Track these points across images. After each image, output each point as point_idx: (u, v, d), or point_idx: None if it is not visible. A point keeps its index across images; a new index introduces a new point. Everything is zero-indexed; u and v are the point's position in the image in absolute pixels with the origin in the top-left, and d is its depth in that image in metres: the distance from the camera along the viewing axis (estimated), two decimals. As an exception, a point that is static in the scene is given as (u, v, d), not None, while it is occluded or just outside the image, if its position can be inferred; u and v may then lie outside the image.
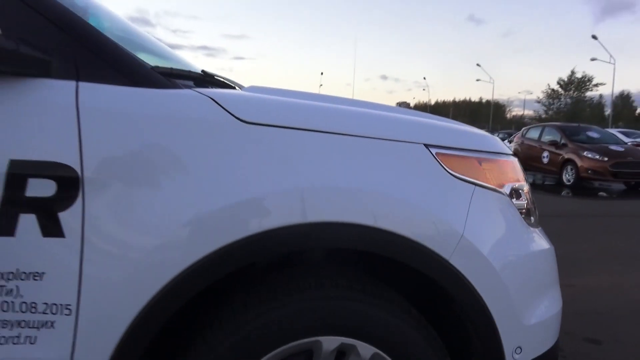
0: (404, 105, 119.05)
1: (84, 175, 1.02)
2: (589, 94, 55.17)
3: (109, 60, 1.11)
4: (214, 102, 1.14)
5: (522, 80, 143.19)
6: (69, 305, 1.03)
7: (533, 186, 9.20)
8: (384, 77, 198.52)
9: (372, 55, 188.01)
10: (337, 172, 1.15)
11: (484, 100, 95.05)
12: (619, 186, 11.51)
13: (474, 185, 1.28)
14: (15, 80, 1.03)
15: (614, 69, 36.77)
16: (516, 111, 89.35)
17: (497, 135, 10.88)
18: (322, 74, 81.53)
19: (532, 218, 1.48)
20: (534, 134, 12.66)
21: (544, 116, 55.94)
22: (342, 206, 1.13)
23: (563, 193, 10.29)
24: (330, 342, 1.16)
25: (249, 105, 1.17)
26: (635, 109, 63.65)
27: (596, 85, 53.50)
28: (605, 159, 10.39)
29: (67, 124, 1.03)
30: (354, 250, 1.18)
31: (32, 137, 1.01)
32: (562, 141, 11.37)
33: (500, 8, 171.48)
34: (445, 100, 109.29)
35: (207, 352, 1.11)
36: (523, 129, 14.15)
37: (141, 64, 1.17)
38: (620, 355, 2.55)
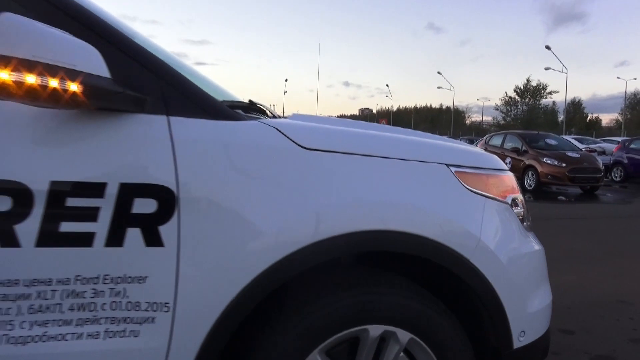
0: (366, 111, 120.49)
1: (180, 194, 1.23)
2: (543, 101, 57.66)
3: (190, 97, 1.32)
4: (278, 131, 1.37)
5: (480, 88, 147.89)
6: (167, 303, 1.24)
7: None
8: (347, 84, 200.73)
9: (334, 62, 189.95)
10: (381, 188, 1.40)
11: (444, 107, 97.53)
12: (575, 190, 12.26)
13: (485, 197, 1.56)
14: (120, 115, 1.22)
15: (566, 77, 38.67)
16: (475, 117, 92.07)
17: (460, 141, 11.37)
18: (286, 80, 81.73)
19: (526, 223, 1.77)
20: (496, 141, 13.31)
21: (502, 122, 58.05)
22: (386, 216, 1.37)
23: (525, 197, 10.86)
24: (375, 330, 1.41)
25: (306, 134, 1.40)
26: (586, 116, 66.93)
27: (550, 93, 56.05)
28: (563, 164, 11.08)
29: (164, 152, 1.23)
30: (393, 253, 1.43)
31: (136, 163, 1.22)
32: (523, 148, 12.03)
33: (458, 17, 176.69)
34: (407, 106, 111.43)
35: (277, 341, 1.33)
36: (486, 136, 14.83)
37: (214, 100, 1.38)
38: (593, 342, 2.90)
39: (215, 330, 1.26)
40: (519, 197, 1.76)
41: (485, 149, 13.34)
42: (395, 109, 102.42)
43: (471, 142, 25.75)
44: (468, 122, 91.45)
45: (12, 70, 1.01)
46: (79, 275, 1.18)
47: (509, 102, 57.92)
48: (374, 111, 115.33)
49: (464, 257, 1.44)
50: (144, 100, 1.25)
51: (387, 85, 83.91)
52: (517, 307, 1.55)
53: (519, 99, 57.50)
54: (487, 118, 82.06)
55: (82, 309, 1.20)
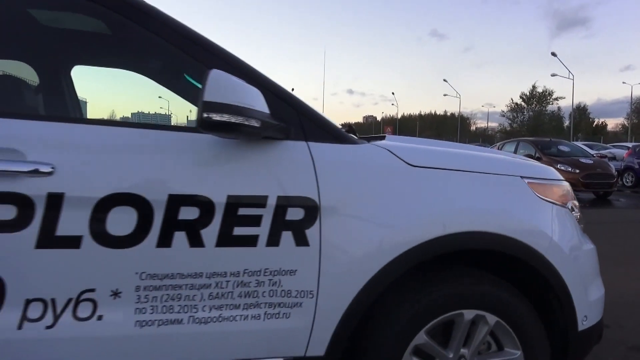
0: (370, 119, 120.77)
1: (321, 204, 1.55)
2: (549, 107, 57.89)
3: (320, 126, 1.65)
4: (390, 152, 1.68)
5: (485, 94, 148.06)
6: (312, 291, 1.55)
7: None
8: (350, 92, 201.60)
9: (337, 70, 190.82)
10: (472, 197, 1.71)
11: (449, 114, 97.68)
12: (588, 196, 12.50)
13: (552, 204, 1.86)
14: (272, 142, 1.55)
15: (573, 84, 38.97)
16: (480, 123, 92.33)
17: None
18: (292, 89, 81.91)
19: (581, 225, 2.07)
20: (509, 148, 13.58)
21: (508, 129, 58.21)
22: (478, 220, 1.69)
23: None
24: (469, 314, 1.71)
25: (411, 154, 1.71)
26: (593, 121, 67.09)
27: (556, 99, 56.25)
28: (577, 170, 11.35)
29: (308, 170, 1.55)
30: (482, 250, 1.74)
31: (287, 179, 1.53)
32: (537, 155, 12.30)
33: (461, 23, 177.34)
34: (412, 113, 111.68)
35: (394, 322, 1.64)
36: (498, 143, 15.12)
37: (338, 127, 1.70)
38: (627, 334, 3.18)
39: (348, 312, 1.57)
40: (576, 203, 2.06)
41: (499, 156, 13.61)
42: (400, 116, 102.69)
43: (480, 149, 25.92)
44: (473, 128, 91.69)
45: (220, 112, 1.34)
46: (246, 269, 1.50)
47: (515, 109, 58.24)
48: (379, 119, 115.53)
49: (540, 253, 1.74)
50: (289, 129, 1.57)
51: (393, 93, 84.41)
52: (580, 296, 1.85)
53: (525, 105, 57.82)
54: (493, 124, 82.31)
55: (248, 296, 1.51)
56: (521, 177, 1.84)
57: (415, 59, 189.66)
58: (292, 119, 1.60)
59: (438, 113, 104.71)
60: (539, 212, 1.81)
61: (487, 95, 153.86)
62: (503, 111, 60.69)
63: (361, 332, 1.65)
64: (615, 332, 3.22)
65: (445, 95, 63.92)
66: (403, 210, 1.62)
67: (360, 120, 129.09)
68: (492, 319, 1.74)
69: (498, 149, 14.29)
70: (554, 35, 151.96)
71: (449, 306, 1.69)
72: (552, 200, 1.87)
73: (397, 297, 1.67)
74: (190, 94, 2.48)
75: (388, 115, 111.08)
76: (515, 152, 13.22)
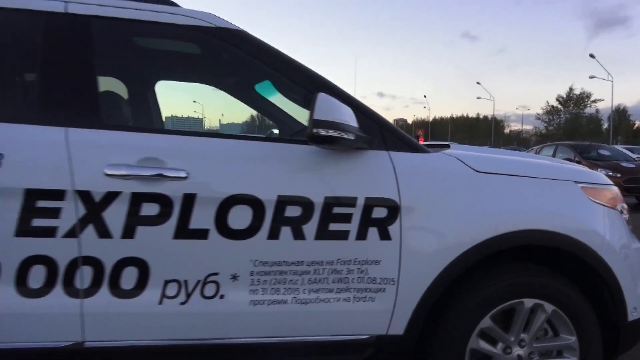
0: (401, 121, 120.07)
1: (401, 204, 1.81)
2: (587, 109, 56.40)
3: (398, 137, 1.91)
4: (458, 160, 1.93)
5: (519, 96, 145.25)
6: (393, 279, 1.81)
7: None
8: (381, 94, 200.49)
9: (367, 74, 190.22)
10: (532, 199, 1.94)
11: (481, 116, 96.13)
12: (630, 200, 12.30)
13: (603, 206, 2.07)
14: (359, 152, 1.82)
15: (612, 85, 37.97)
16: (513, 126, 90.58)
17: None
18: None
19: (630, 226, 2.26)
20: (547, 152, 13.49)
21: (544, 132, 57.00)
22: (539, 220, 1.91)
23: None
24: (529, 302, 1.93)
25: (476, 161, 1.96)
26: (634, 124, 64.93)
27: (594, 101, 54.75)
28: (618, 175, 11.21)
29: (389, 175, 1.82)
30: (540, 246, 1.96)
31: (373, 183, 1.80)
32: (576, 159, 12.20)
33: (493, 25, 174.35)
34: (443, 116, 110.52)
35: (461, 309, 1.88)
36: (536, 147, 15.03)
37: (411, 138, 1.96)
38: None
39: (424, 298, 1.82)
40: (625, 205, 2.25)
41: (536, 160, 13.55)
42: (431, 119, 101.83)
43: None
44: (507, 131, 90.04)
45: (326, 128, 1.63)
46: (339, 259, 1.78)
47: (551, 111, 56.96)
48: (409, 122, 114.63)
49: (594, 250, 1.95)
50: (372, 140, 1.85)
51: (425, 97, 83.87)
52: (630, 288, 2.04)
53: (561, 108, 56.50)
54: (527, 127, 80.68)
55: (340, 282, 1.79)
56: (575, 181, 2.06)
57: (447, 62, 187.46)
58: (374, 131, 1.87)
59: (470, 116, 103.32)
60: (591, 213, 2.02)
61: (521, 98, 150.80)
62: (538, 114, 59.52)
63: (435, 315, 1.90)
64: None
65: (478, 98, 62.91)
66: (471, 209, 1.87)
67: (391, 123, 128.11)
68: (549, 307, 1.96)
69: (535, 153, 14.22)
70: (592, 35, 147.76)
71: (512, 295, 1.92)
72: (603, 203, 2.08)
73: (467, 285, 1.91)
74: (260, 105, 2.80)
75: (419, 118, 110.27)
76: (553, 156, 13.13)
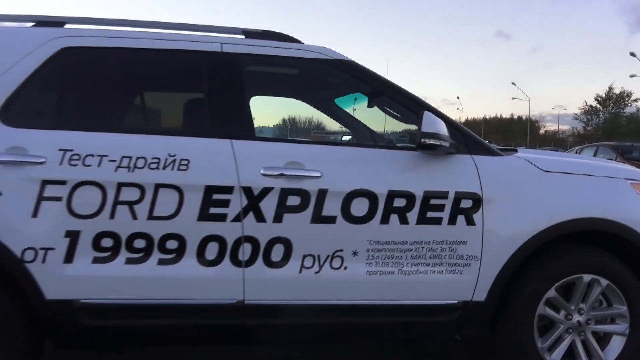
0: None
1: (483, 197, 2.29)
2: (627, 109, 54.87)
3: (478, 143, 2.40)
4: (528, 162, 2.40)
5: (555, 96, 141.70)
6: (477, 256, 2.29)
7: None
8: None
9: (397, 75, 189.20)
10: (592, 193, 2.39)
11: (515, 117, 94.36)
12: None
13: None
14: (448, 156, 2.31)
15: (654, 84, 36.90)
16: (549, 126, 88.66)
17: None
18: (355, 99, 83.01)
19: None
20: (588, 153, 13.62)
21: (582, 132, 55.76)
22: (596, 210, 2.36)
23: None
24: (586, 277, 2.38)
25: (543, 162, 2.42)
26: (677, 123, 62.56)
27: (635, 100, 53.23)
28: (661, 175, 11.28)
29: (473, 174, 2.30)
30: (597, 232, 2.40)
31: (460, 180, 2.29)
32: (618, 159, 12.30)
33: (528, 22, 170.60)
34: (476, 117, 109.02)
35: (531, 281, 2.34)
36: (577, 148, 15.12)
37: (488, 144, 2.44)
38: None
39: (502, 272, 2.30)
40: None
41: (576, 161, 13.67)
42: (464, 120, 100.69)
43: (554, 153, 25.41)
44: (542, 131, 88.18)
45: (431, 138, 2.13)
46: (434, 240, 2.27)
47: (589, 111, 55.63)
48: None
49: (640, 234, 2.39)
50: (457, 146, 2.33)
51: (458, 98, 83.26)
52: None
53: (600, 108, 55.14)
54: (563, 127, 78.82)
55: (435, 258, 2.28)
56: (625, 179, 2.49)
57: (480, 62, 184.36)
58: (460, 139, 2.36)
59: (504, 116, 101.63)
60: (638, 204, 2.45)
61: (558, 97, 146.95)
62: (576, 114, 58.22)
63: (510, 287, 2.36)
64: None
65: (514, 98, 62.05)
66: (539, 202, 2.33)
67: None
68: (604, 282, 2.39)
69: (576, 153, 14.33)
70: (634, 31, 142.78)
71: (572, 271, 2.37)
72: (650, 196, 2.51)
73: (536, 262, 2.37)
74: (340, 117, 3.32)
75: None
76: (594, 157, 13.25)
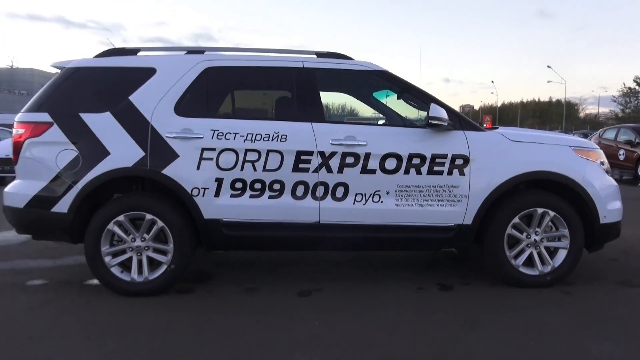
0: (467, 107, 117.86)
1: (470, 157, 3.60)
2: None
3: (468, 122, 3.71)
4: (502, 135, 3.69)
5: (597, 77, 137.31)
6: (465, 195, 3.61)
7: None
8: (447, 80, 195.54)
9: (434, 58, 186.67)
10: (543, 155, 3.67)
11: (554, 100, 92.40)
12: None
13: (587, 160, 3.74)
14: (448, 130, 3.62)
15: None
16: (590, 109, 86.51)
17: (573, 135, 12.90)
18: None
19: (610, 173, 3.88)
20: (610, 134, 14.39)
21: (620, 115, 54.69)
22: (545, 165, 3.63)
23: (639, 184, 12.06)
24: (540, 210, 3.66)
25: (512, 135, 3.71)
26: None
27: (678, 82, 51.67)
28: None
29: (463, 142, 3.61)
30: (547, 181, 3.68)
31: (453, 147, 3.60)
32: (637, 140, 13.08)
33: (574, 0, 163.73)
34: (512, 101, 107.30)
35: (503, 211, 3.64)
36: (600, 130, 15.87)
37: (476, 123, 3.74)
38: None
39: (482, 205, 3.61)
40: (605, 161, 3.89)
41: (599, 143, 14.47)
42: (499, 104, 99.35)
43: (585, 136, 25.86)
44: (582, 115, 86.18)
45: (436, 120, 3.46)
46: (438, 184, 3.60)
47: (628, 93, 54.41)
48: (476, 107, 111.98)
49: (578, 182, 3.64)
50: (454, 125, 3.64)
51: (492, 82, 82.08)
52: (601, 205, 3.70)
53: (639, 89, 53.83)
54: (604, 110, 76.90)
55: (439, 196, 3.61)
56: (569, 146, 3.75)
57: (519, 43, 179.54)
58: (455, 120, 3.66)
59: (542, 100, 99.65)
60: (577, 162, 3.70)
61: (600, 79, 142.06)
62: (614, 96, 57.01)
63: (488, 215, 3.67)
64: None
65: (549, 82, 61.33)
66: (507, 160, 3.62)
67: (457, 109, 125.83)
68: (552, 213, 3.67)
69: (599, 136, 15.11)
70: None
71: (530, 205, 3.66)
72: (587, 158, 3.75)
73: (506, 199, 3.67)
74: (376, 106, 4.63)
75: (486, 104, 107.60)
76: (615, 138, 14.03)
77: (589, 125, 58.72)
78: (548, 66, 60.11)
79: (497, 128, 3.98)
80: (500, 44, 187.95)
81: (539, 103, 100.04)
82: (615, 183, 3.90)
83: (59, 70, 3.79)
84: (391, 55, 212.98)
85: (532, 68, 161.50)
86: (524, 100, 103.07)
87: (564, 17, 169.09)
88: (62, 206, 3.47)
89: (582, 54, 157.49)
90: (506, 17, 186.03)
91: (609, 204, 3.77)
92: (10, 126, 16.11)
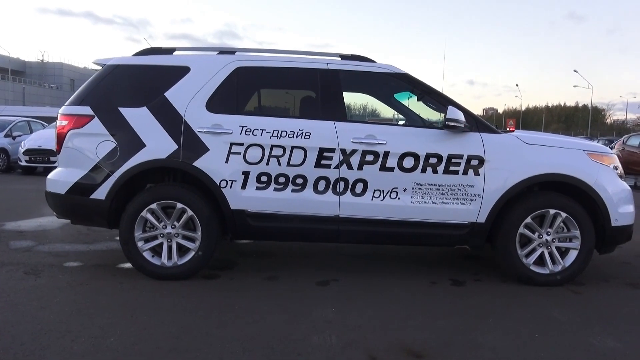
0: (491, 111, 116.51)
1: (485, 158, 3.75)
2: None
3: (485, 125, 3.86)
4: (516, 137, 3.83)
5: (627, 82, 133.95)
6: (480, 194, 3.76)
7: (633, 188, 10.99)
8: (471, 82, 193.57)
9: (458, 60, 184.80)
10: (558, 158, 3.80)
11: (580, 105, 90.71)
12: None
13: (600, 164, 3.85)
14: (464, 132, 3.78)
15: None
16: (618, 115, 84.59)
17: (597, 142, 12.80)
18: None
19: (624, 178, 3.98)
20: (634, 141, 14.22)
21: (648, 122, 53.41)
22: (560, 168, 3.76)
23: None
24: (552, 211, 3.79)
25: (527, 138, 3.84)
26: None
27: None
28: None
29: (480, 144, 3.77)
30: (559, 183, 3.81)
31: (469, 149, 3.75)
32: (660, 147, 12.92)
33: (605, 2, 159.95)
34: (537, 105, 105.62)
35: (515, 211, 3.78)
36: (624, 136, 15.68)
37: (492, 125, 3.89)
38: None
39: (496, 205, 3.76)
40: (619, 166, 4.00)
41: (623, 149, 14.33)
42: (524, 108, 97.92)
43: (610, 142, 25.43)
44: (609, 121, 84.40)
45: (453, 121, 3.62)
46: (453, 184, 3.77)
47: (658, 100, 53.04)
48: (500, 111, 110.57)
49: (590, 185, 3.76)
50: (470, 127, 3.80)
51: (517, 85, 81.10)
52: (613, 208, 3.81)
53: (669, 96, 52.49)
54: (632, 116, 75.25)
55: (454, 195, 3.78)
56: (583, 150, 3.87)
57: (546, 46, 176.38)
58: (472, 122, 3.82)
59: (568, 104, 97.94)
60: (591, 166, 3.82)
61: (630, 84, 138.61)
62: (643, 102, 55.65)
63: (502, 214, 3.81)
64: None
65: (575, 86, 60.32)
66: (522, 163, 3.76)
67: (480, 112, 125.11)
68: (564, 214, 3.80)
69: (622, 142, 14.93)
70: None
71: (543, 206, 3.79)
72: (600, 162, 3.87)
73: (519, 199, 3.81)
74: (397, 107, 4.80)
75: (511, 108, 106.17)
76: (639, 144, 13.86)
77: (616, 131, 57.51)
78: (575, 70, 59.09)
79: (514, 131, 4.12)
80: (527, 46, 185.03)
81: (564, 108, 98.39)
82: (628, 187, 4.00)
83: (97, 67, 4.07)
84: (417, 59, 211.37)
85: (559, 72, 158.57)
86: (549, 105, 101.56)
87: (594, 20, 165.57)
88: (101, 193, 3.74)
89: (611, 58, 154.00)
90: (534, 19, 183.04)
91: (621, 207, 3.88)
92: (40, 118, 16.79)
